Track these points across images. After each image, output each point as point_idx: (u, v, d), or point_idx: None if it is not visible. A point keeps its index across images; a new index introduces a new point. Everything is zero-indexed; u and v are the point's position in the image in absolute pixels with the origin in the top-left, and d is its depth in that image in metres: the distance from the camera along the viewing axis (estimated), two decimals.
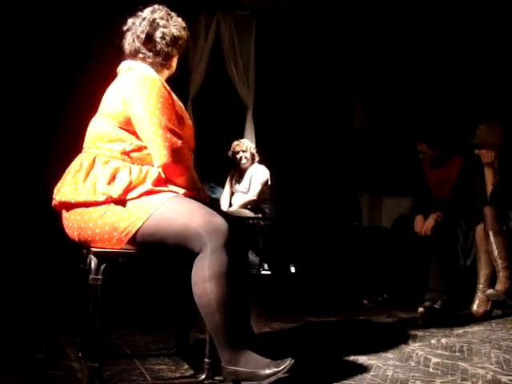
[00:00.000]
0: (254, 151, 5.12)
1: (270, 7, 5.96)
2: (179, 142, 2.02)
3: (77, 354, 2.32)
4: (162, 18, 2.17)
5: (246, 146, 5.10)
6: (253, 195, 4.99)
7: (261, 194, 5.01)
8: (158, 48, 2.15)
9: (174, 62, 2.27)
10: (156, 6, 2.20)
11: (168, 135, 2.00)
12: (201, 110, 5.53)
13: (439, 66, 5.53)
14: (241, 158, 5.07)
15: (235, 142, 5.12)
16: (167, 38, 2.16)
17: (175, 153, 2.01)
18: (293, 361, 1.90)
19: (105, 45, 2.40)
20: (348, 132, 6.46)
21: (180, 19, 2.23)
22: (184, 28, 2.23)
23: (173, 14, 2.22)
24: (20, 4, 4.68)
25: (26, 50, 4.71)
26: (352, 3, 6.30)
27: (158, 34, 2.15)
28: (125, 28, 2.19)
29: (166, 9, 2.22)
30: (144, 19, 2.16)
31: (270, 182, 5.13)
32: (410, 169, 4.53)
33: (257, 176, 5.04)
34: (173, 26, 2.18)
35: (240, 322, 2.08)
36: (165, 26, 2.16)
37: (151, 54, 2.16)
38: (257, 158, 5.15)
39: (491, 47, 4.94)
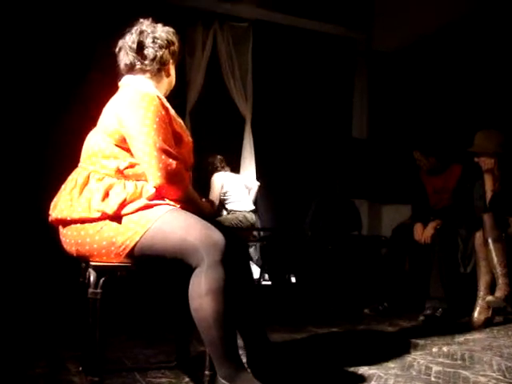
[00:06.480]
0: (213, 165, 5.23)
1: (267, 19, 5.99)
2: (174, 164, 2.00)
3: (77, 368, 2.31)
4: (149, 26, 2.22)
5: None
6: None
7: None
8: (151, 53, 2.17)
9: (172, 70, 2.28)
10: (140, 19, 2.24)
11: (163, 157, 1.98)
12: (199, 122, 5.54)
13: (437, 75, 5.55)
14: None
15: None
16: (158, 41, 2.19)
17: (170, 174, 1.99)
18: None
19: (104, 59, 2.41)
20: (347, 141, 6.47)
21: (167, 26, 2.27)
22: (173, 33, 2.27)
23: (159, 24, 2.26)
24: (17, 19, 4.71)
25: (24, 64, 4.71)
26: (348, 13, 6.34)
27: (149, 39, 2.18)
28: (117, 50, 2.23)
29: (150, 19, 2.26)
30: (132, 33, 2.20)
31: (223, 185, 5.17)
32: (409, 177, 4.54)
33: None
34: (161, 31, 2.23)
35: (253, 333, 2.14)
36: (153, 32, 2.20)
37: (147, 61, 2.18)
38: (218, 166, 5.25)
39: (487, 56, 4.97)
